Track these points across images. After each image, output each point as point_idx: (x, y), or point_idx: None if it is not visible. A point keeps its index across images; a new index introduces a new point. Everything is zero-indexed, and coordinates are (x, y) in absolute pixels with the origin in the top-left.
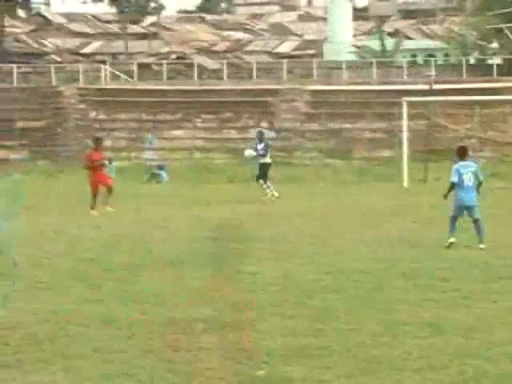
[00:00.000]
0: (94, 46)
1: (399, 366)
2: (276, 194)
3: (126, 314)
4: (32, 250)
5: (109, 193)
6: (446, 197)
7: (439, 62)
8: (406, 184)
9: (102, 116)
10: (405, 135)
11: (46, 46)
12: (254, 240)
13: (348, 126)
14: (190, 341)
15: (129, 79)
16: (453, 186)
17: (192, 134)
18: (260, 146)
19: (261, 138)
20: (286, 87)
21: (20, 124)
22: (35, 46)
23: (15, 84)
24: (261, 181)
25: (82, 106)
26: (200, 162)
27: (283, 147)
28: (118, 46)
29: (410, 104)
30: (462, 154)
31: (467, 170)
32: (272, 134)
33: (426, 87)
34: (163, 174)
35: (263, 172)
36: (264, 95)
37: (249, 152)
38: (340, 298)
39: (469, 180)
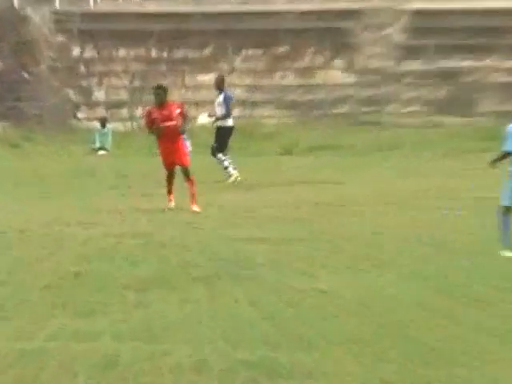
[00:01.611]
0: None
1: None
2: (237, 176)
3: (128, 357)
4: None
5: (185, 175)
6: (493, 164)
7: None
8: None
9: (90, 54)
10: None
11: None
12: (316, 239)
13: (468, 64)
14: None
15: None
16: (505, 155)
17: (228, 79)
18: (219, 99)
19: (220, 85)
20: (373, 6)
21: None
22: None
23: None
24: (219, 155)
25: (60, 38)
26: (241, 122)
27: (368, 98)
28: None
29: None
30: None
31: None
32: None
33: None
34: (185, 142)
35: (222, 141)
36: (338, 19)
37: (203, 118)
38: (449, 324)
39: None
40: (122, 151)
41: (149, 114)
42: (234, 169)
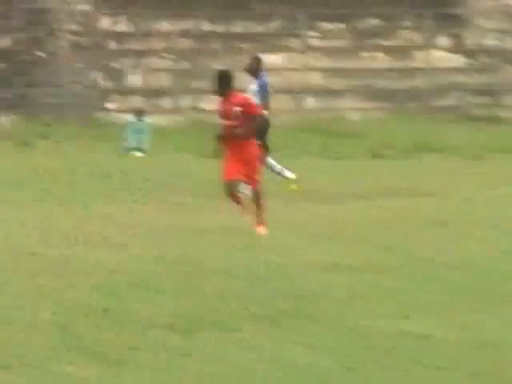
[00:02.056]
0: None
1: None
2: (291, 175)
3: None
4: None
5: (255, 197)
6: None
7: None
8: None
9: (123, 26)
10: None
11: None
12: (411, 268)
13: None
14: None
15: None
16: None
17: (301, 60)
18: (253, 87)
19: (256, 69)
20: None
21: None
22: None
23: None
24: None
25: (85, 6)
26: (317, 116)
27: (482, 86)
28: None
29: None
30: None
31: None
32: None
33: None
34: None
35: (264, 138)
36: None
37: None
38: None
39: None
40: (163, 152)
41: (218, 106)
42: (282, 173)
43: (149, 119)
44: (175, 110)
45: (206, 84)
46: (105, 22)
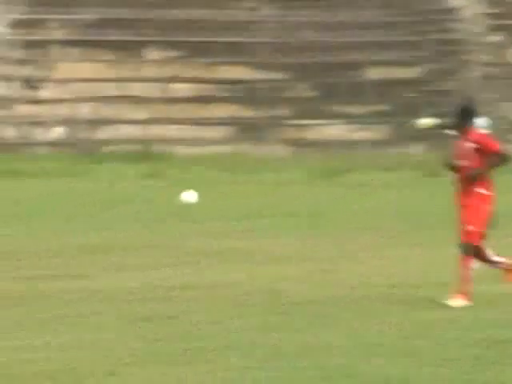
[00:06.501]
0: None
1: None
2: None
3: None
4: None
5: (462, 251)
6: None
7: None
8: None
9: None
10: None
11: None
12: None
13: None
14: None
15: None
16: None
17: None
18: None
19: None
20: None
21: (372, 73)
22: None
23: None
24: None
25: (495, 37)
26: None
27: None
28: None
29: None
30: None
31: None
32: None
33: None
34: None
35: None
36: None
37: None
38: None
39: None
40: None
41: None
42: None
43: None
44: None
45: None
46: None
